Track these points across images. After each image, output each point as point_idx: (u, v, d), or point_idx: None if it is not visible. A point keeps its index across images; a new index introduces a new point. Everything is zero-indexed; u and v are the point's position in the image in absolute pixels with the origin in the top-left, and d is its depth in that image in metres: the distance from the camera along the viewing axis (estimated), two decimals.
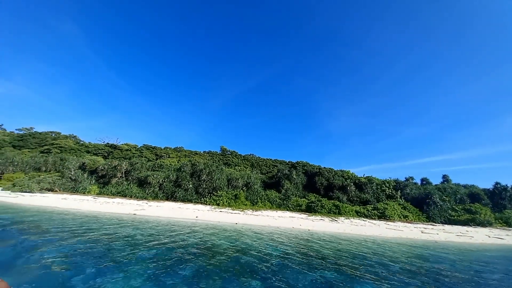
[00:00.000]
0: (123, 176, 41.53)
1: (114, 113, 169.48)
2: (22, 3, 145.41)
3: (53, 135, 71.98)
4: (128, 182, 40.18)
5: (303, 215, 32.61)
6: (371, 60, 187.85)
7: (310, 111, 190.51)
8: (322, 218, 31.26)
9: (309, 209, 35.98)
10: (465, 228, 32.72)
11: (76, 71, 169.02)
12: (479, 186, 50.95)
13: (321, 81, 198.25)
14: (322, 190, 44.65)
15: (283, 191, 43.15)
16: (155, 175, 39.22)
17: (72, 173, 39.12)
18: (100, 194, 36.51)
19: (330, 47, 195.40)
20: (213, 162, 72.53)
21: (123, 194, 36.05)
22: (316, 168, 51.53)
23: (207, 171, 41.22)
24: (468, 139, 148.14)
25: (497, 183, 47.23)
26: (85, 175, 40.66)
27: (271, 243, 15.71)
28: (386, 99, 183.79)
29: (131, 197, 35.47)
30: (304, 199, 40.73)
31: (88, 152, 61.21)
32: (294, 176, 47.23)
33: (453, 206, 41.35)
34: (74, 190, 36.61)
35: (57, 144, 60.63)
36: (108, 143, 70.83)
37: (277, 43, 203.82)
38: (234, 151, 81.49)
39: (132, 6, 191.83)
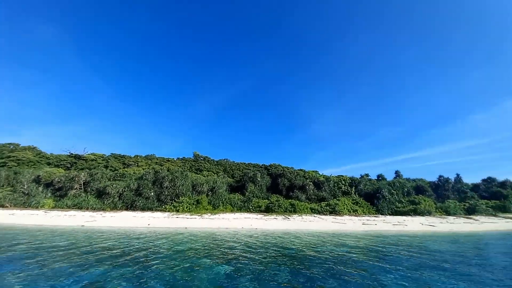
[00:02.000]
0: (82, 187, 40.82)
1: (95, 118, 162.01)
2: None
3: (11, 147, 68.03)
4: (87, 193, 39.57)
5: (260, 216, 34.36)
6: (344, 64, 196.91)
7: (292, 115, 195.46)
8: (276, 217, 33.21)
9: (268, 210, 37.88)
10: (404, 217, 36.33)
11: (55, 74, 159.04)
12: (428, 179, 56.15)
13: (299, 85, 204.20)
14: (284, 190, 46.89)
15: (247, 193, 44.79)
16: (114, 185, 39.02)
17: (25, 187, 37.88)
18: (55, 207, 35.72)
19: (302, 52, 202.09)
20: (184, 168, 72.68)
21: (79, 207, 35.56)
22: (281, 170, 53.84)
23: (170, 178, 41.76)
24: (441, 136, 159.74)
25: (440, 176, 52.51)
26: (40, 188, 39.47)
27: (201, 241, 17.05)
28: (362, 101, 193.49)
29: (87, 209, 35.11)
30: (266, 200, 42.57)
31: (48, 164, 58.79)
32: (259, 179, 49.13)
33: (400, 199, 45.42)
34: (26, 205, 35.48)
35: (14, 156, 57.59)
36: (72, 154, 68.24)
37: (256, 50, 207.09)
38: (206, 157, 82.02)
39: (116, 9, 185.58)
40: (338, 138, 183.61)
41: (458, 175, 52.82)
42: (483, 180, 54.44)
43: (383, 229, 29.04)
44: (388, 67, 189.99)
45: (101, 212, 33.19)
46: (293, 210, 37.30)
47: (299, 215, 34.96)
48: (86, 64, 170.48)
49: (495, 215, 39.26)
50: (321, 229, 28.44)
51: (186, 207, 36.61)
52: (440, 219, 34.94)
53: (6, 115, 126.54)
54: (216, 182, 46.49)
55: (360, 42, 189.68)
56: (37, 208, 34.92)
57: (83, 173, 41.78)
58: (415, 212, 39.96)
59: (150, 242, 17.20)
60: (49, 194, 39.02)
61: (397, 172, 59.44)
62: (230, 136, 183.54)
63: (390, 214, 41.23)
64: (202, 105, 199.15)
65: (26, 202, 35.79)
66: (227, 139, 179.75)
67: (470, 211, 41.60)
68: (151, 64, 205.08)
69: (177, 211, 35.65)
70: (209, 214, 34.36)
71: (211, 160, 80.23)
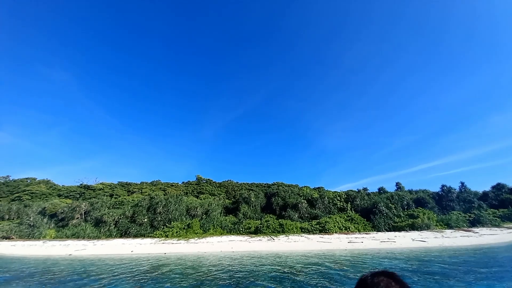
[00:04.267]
0: (82, 216, 43.17)
1: (108, 153, 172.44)
2: (13, 55, 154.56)
3: (29, 181, 73.64)
4: (86, 222, 41.74)
5: (246, 238, 34.42)
6: (353, 77, 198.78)
7: (301, 131, 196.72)
8: (261, 239, 33.14)
9: (257, 231, 37.78)
10: (396, 233, 34.77)
11: (68, 115, 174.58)
12: (431, 190, 53.50)
13: (309, 101, 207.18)
14: (278, 210, 46.61)
15: (240, 215, 44.99)
16: (111, 213, 41.01)
17: (31, 219, 40.72)
18: (56, 237, 37.93)
19: (314, 68, 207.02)
20: (187, 192, 74.37)
21: (77, 236, 37.54)
22: (275, 189, 53.86)
23: (163, 204, 43.22)
24: (459, 142, 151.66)
25: (443, 186, 49.94)
26: (45, 219, 42.20)
27: (167, 266, 17.81)
28: (373, 112, 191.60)
29: (83, 238, 36.97)
30: (258, 221, 42.45)
31: (59, 195, 62.72)
32: (253, 199, 49.35)
33: (399, 213, 43.50)
34: (30, 236, 38.00)
35: (28, 190, 62.22)
36: (82, 184, 72.47)
37: (262, 70, 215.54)
38: (209, 179, 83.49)
39: (122, 52, 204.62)
40: (350, 151, 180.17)
41: (462, 183, 50.01)
42: (493, 187, 50.95)
43: (368, 247, 28.08)
44: (393, 72, 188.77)
45: (95, 241, 34.82)
46: (281, 230, 36.97)
47: (286, 236, 34.57)
48: (96, 103, 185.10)
49: (498, 226, 36.40)
50: (303, 249, 28.09)
51: (176, 232, 37.45)
52: (435, 234, 33.11)
53: (25, 156, 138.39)
54: (210, 205, 47.32)
55: (361, 47, 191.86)
56: (39, 239, 37.28)
57: (84, 203, 44.37)
58: (413, 227, 38.08)
59: (108, 268, 18.25)
60: (52, 225, 41.58)
61: (398, 184, 57.30)
62: (234, 159, 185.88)
63: (387, 230, 39.52)
64: (209, 129, 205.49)
65: (31, 233, 38.36)
66: (231, 161, 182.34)
67: (475, 222, 38.90)
68: (158, 95, 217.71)
69: (166, 236, 36.54)
70: (196, 238, 34.92)
71: (213, 182, 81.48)
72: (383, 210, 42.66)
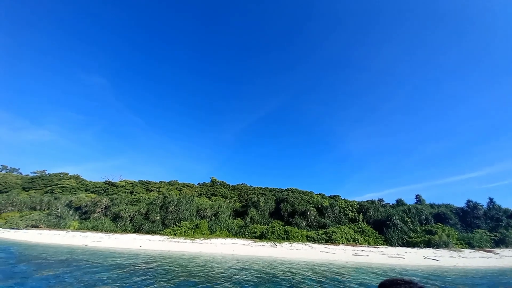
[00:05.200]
0: (103, 211, 46.53)
1: (135, 151, 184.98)
2: (57, 61, 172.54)
3: (61, 176, 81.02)
4: (106, 217, 44.93)
5: (249, 242, 34.70)
6: (382, 80, 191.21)
7: (323, 136, 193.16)
8: (263, 244, 33.21)
9: (261, 236, 37.86)
10: (408, 249, 32.74)
11: (101, 116, 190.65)
12: (456, 205, 49.43)
13: (333, 105, 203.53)
14: (286, 216, 46.25)
15: (247, 218, 45.41)
16: (127, 209, 43.76)
17: (59, 211, 44.80)
18: (78, 229, 41.35)
19: (339, 71, 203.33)
20: (201, 193, 76.58)
21: (96, 228, 40.58)
22: (285, 195, 53.50)
23: (175, 203, 45.14)
24: (499, 152, 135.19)
25: (469, 201, 45.92)
26: (71, 211, 46.18)
27: (153, 263, 18.87)
28: (402, 116, 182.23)
29: (101, 230, 39.84)
30: (265, 226, 42.51)
31: (86, 190, 68.11)
32: (262, 204, 49.51)
33: (416, 227, 40.89)
34: (56, 226, 41.84)
35: (60, 184, 68.46)
36: (106, 181, 77.99)
37: (284, 72, 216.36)
38: (223, 182, 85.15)
39: (151, 59, 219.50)
40: (375, 157, 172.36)
41: (491, 199, 45.50)
42: None
43: (372, 261, 26.93)
44: (426, 73, 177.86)
45: (110, 234, 37.39)
46: (286, 237, 36.67)
47: (290, 243, 34.24)
48: (125, 105, 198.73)
49: None
50: (305, 258, 27.76)
51: (184, 231, 38.86)
52: (452, 253, 30.67)
53: (61, 152, 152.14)
54: (220, 207, 48.41)
55: (399, 60, 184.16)
56: (64, 229, 40.90)
57: (105, 198, 47.81)
58: (428, 244, 35.57)
59: (109, 259, 19.70)
60: (76, 217, 45.36)
61: (418, 197, 53.71)
62: (252, 161, 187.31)
63: (400, 245, 37.34)
64: (230, 131, 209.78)
65: (57, 223, 42.23)
66: (249, 163, 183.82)
67: (500, 243, 35.29)
68: (182, 97, 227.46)
69: (175, 235, 38.06)
70: (202, 239, 35.95)
71: (227, 185, 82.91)
72: (398, 224, 40.41)
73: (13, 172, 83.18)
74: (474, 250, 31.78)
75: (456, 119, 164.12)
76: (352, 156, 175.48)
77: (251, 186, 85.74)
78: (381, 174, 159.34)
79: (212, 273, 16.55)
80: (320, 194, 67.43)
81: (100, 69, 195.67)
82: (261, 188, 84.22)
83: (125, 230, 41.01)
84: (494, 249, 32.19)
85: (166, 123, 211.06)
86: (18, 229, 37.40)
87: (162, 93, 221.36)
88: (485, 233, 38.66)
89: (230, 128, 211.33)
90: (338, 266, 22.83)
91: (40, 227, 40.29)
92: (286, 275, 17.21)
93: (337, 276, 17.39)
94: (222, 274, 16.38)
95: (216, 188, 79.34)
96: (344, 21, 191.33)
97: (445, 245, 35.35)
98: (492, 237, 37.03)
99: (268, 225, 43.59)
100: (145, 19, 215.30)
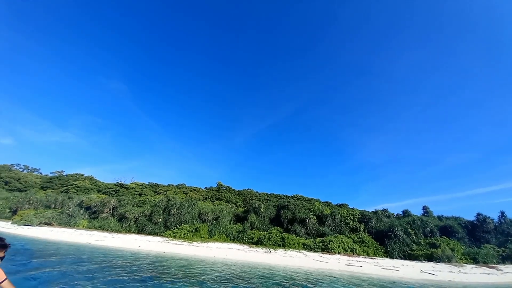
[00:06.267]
0: (110, 211, 48.89)
1: (149, 154, 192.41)
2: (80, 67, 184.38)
3: (77, 176, 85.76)
4: (113, 217, 47.18)
5: (245, 247, 35.19)
6: (400, 89, 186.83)
7: (336, 144, 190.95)
8: (257, 250, 33.57)
9: (258, 242, 38.21)
10: (405, 262, 31.78)
11: (118, 120, 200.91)
12: (467, 218, 47.20)
13: (347, 112, 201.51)
14: (285, 223, 46.27)
15: (246, 224, 45.94)
16: (132, 211, 45.76)
17: (70, 210, 47.65)
18: (86, 227, 43.75)
19: (357, 79, 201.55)
20: (207, 197, 78.06)
21: (102, 228, 42.75)
22: (286, 201, 53.52)
23: (177, 206, 46.61)
24: None
25: (478, 214, 43.68)
26: (81, 211, 48.92)
27: (144, 261, 19.95)
28: (421, 124, 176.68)
29: (107, 230, 41.91)
30: (264, 232, 42.78)
31: (98, 191, 71.67)
32: (262, 210, 49.90)
33: (419, 240, 39.53)
34: (67, 224, 44.50)
35: (75, 184, 72.57)
36: (118, 182, 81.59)
37: (299, 80, 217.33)
38: (228, 187, 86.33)
39: (168, 65, 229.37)
40: (391, 167, 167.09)
41: (502, 213, 42.97)
42: None
43: (365, 272, 26.59)
44: (450, 80, 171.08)
45: (114, 234, 39.29)
46: (282, 244, 36.77)
47: (285, 250, 34.35)
48: (141, 110, 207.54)
49: None
50: (296, 265, 27.89)
51: (184, 234, 40.02)
52: (452, 268, 29.45)
53: (80, 153, 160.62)
54: (221, 212, 49.35)
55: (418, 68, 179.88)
56: (73, 227, 43.44)
57: (113, 199, 50.22)
58: (430, 258, 34.31)
59: (107, 256, 21.02)
60: (86, 216, 47.96)
61: (425, 208, 51.77)
62: (260, 167, 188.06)
63: (401, 258, 36.26)
64: (240, 137, 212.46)
65: (68, 222, 44.92)
66: (258, 169, 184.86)
67: (507, 259, 33.36)
68: (195, 103, 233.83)
69: (174, 237, 39.30)
70: (200, 242, 36.90)
71: (233, 190, 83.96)
72: (400, 235, 39.26)
73: (34, 172, 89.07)
74: (476, 266, 30.33)
75: (479, 125, 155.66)
76: (366, 165, 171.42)
77: (256, 192, 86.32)
78: (400, 185, 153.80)
79: (185, 273, 17.32)
80: (325, 202, 66.78)
81: (119, 74, 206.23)
82: (266, 194, 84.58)
83: (129, 231, 42.87)
84: (498, 265, 30.53)
85: (180, 129, 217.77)
86: (32, 226, 40.19)
87: (175, 99, 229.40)
88: (493, 248, 36.70)
89: (241, 134, 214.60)
90: (321, 274, 22.85)
91: (52, 225, 43.04)
92: (252, 280, 17.65)
93: (309, 285, 17.57)
94: (192, 274, 17.14)
95: (221, 192, 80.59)
96: (365, 27, 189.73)
97: (448, 260, 33.94)
98: (500, 253, 35.10)
99: (267, 231, 43.86)
100: (163, 27, 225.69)
